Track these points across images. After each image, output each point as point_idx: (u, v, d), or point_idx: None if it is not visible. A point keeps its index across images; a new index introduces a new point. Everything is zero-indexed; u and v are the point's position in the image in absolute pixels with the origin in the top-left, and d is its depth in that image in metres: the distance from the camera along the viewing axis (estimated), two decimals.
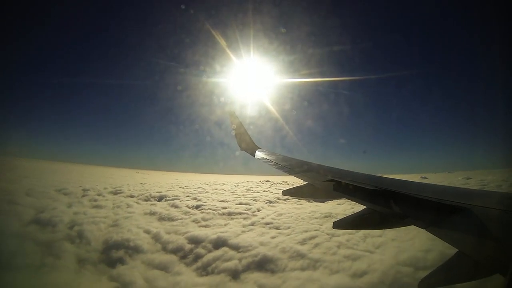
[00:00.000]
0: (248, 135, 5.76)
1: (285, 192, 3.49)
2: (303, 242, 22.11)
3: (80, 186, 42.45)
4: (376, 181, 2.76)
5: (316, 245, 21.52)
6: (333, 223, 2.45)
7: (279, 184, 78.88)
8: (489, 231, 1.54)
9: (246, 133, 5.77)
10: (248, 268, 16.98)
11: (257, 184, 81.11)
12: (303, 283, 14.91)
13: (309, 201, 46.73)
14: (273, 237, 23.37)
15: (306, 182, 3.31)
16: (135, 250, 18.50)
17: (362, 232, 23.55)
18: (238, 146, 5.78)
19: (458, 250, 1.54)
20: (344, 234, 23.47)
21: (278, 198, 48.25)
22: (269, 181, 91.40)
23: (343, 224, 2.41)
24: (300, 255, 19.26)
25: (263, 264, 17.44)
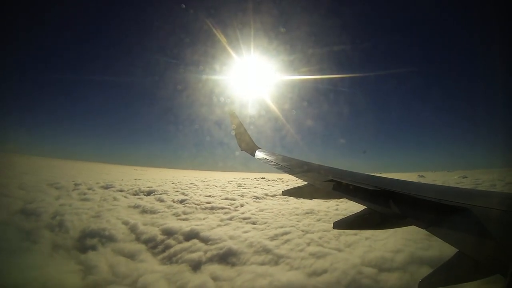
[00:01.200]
0: (248, 135, 5.73)
1: (285, 192, 3.44)
2: (273, 237, 22.51)
3: (73, 181, 44.09)
4: (376, 181, 2.76)
5: (287, 241, 21.90)
6: (333, 223, 2.44)
7: (273, 181, 79.95)
8: (489, 231, 1.53)
9: (246, 133, 5.74)
10: (210, 260, 17.71)
11: (252, 181, 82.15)
12: (254, 277, 15.35)
13: (297, 198, 47.72)
14: (245, 232, 23.92)
15: (306, 182, 3.27)
16: (109, 239, 19.80)
17: (337, 230, 25.22)
18: (238, 146, 5.74)
19: (458, 250, 1.52)
20: (318, 231, 23.82)
21: (266, 194, 49.13)
22: (264, 178, 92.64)
23: (343, 224, 2.39)
24: (266, 250, 19.68)
25: (226, 257, 18.03)
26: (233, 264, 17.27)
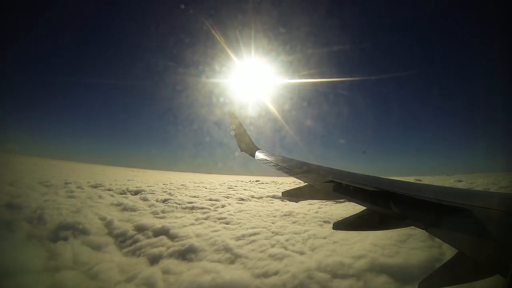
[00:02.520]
0: (247, 136, 5.74)
1: (284, 193, 3.45)
2: (240, 237, 22.94)
3: (64, 180, 46.10)
4: (376, 182, 2.78)
5: (252, 241, 22.19)
6: (333, 224, 2.45)
7: (266, 184, 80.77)
8: (489, 232, 1.54)
9: (246, 133, 5.75)
10: (170, 255, 18.67)
11: (245, 183, 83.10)
12: (200, 273, 15.97)
13: (283, 200, 48.43)
14: (214, 231, 24.64)
15: (305, 183, 3.29)
16: (82, 232, 21.38)
17: (307, 233, 24.37)
18: (238, 146, 5.75)
19: (458, 250, 1.54)
20: (288, 234, 24.18)
21: (252, 196, 50.09)
22: (258, 181, 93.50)
23: (343, 225, 2.41)
24: (226, 249, 20.24)
25: (185, 254, 19.01)
26: (189, 260, 18.24)
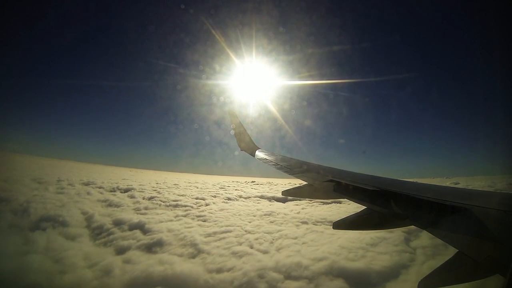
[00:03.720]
0: (247, 135, 5.76)
1: (285, 193, 3.48)
2: (211, 234, 23.62)
3: (57, 178, 48.38)
4: (376, 181, 2.79)
5: (221, 239, 22.79)
6: (333, 223, 2.46)
7: (261, 185, 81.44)
8: (489, 232, 1.54)
9: (246, 132, 5.77)
10: (137, 247, 19.85)
11: (240, 184, 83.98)
12: (155, 263, 16.86)
13: (270, 201, 49.24)
14: (188, 227, 25.44)
15: (305, 182, 3.31)
16: (61, 223, 23.03)
17: (280, 233, 24.77)
18: (238, 146, 5.77)
19: (458, 250, 1.54)
20: (260, 233, 24.53)
21: (240, 196, 50.98)
22: (254, 182, 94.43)
23: (343, 224, 2.43)
24: (192, 245, 20.94)
25: (151, 246, 20.17)
26: (153, 252, 19.37)
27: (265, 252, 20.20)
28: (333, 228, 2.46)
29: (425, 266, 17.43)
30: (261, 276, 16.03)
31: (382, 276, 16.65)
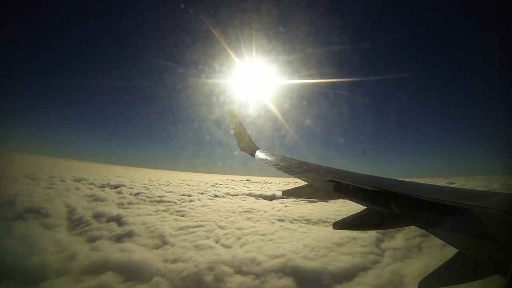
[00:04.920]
0: (247, 135, 5.78)
1: (285, 193, 3.51)
2: (182, 228, 24.39)
3: (50, 174, 50.53)
4: (376, 181, 2.80)
5: (191, 232, 23.49)
6: (333, 223, 2.46)
7: (256, 183, 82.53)
8: (489, 232, 1.55)
9: (246, 132, 5.79)
10: (108, 238, 21.18)
11: (235, 182, 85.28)
12: (115, 250, 18.09)
13: (257, 198, 50.38)
14: (162, 221, 26.59)
15: (305, 182, 3.32)
16: (44, 215, 24.83)
17: (251, 229, 25.21)
18: (238, 145, 5.80)
19: (458, 250, 1.54)
20: (231, 228, 25.29)
21: (228, 193, 52.32)
22: (249, 180, 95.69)
23: (343, 224, 2.43)
24: (160, 236, 22.00)
25: (121, 237, 21.32)
26: (120, 242, 20.58)
27: (228, 247, 20.77)
28: (333, 228, 2.48)
29: (388, 269, 17.24)
30: (211, 269, 16.47)
31: (335, 277, 16.41)
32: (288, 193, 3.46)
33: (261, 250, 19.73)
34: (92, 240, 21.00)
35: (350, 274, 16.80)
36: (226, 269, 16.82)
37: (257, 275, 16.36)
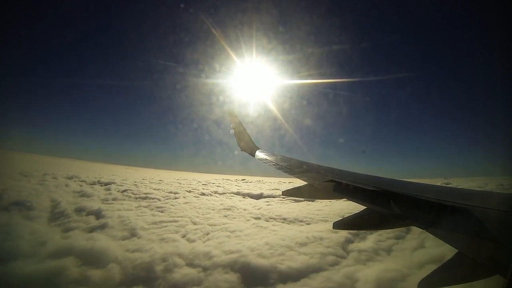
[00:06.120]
0: (247, 135, 5.80)
1: (285, 192, 3.52)
2: (157, 223, 25.62)
3: (44, 172, 52.55)
4: (376, 181, 2.81)
5: (162, 227, 24.57)
6: (333, 223, 2.46)
7: (250, 183, 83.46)
8: (489, 232, 1.55)
9: (246, 132, 5.81)
10: (84, 229, 22.66)
11: (229, 181, 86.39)
12: (81, 240, 19.18)
13: (244, 197, 51.54)
14: (139, 216, 28.06)
15: (306, 182, 3.31)
16: (27, 208, 26.66)
17: (223, 226, 25.82)
18: (238, 145, 5.80)
19: (458, 250, 1.54)
20: (203, 224, 26.02)
21: (216, 192, 53.66)
22: (244, 180, 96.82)
23: (343, 224, 2.44)
24: (131, 229, 23.17)
25: (95, 229, 22.84)
26: (94, 232, 22.09)
27: (192, 241, 21.32)
28: (333, 228, 2.47)
29: (342, 272, 16.88)
30: (164, 260, 17.17)
31: (282, 277, 16.27)
32: (288, 193, 3.48)
33: (221, 245, 20.16)
34: (66, 230, 22.66)
35: (299, 275, 16.51)
36: (178, 261, 17.45)
37: (205, 269, 16.80)
